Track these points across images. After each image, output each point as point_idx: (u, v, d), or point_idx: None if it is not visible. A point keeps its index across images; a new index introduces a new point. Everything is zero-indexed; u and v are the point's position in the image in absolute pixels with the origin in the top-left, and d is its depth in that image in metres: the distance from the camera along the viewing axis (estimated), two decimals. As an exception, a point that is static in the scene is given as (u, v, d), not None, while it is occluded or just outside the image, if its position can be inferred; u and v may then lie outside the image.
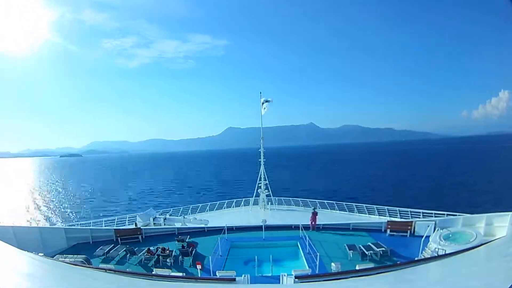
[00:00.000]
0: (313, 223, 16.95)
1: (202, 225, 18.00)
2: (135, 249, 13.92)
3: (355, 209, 21.58)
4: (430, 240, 13.01)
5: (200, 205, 25.16)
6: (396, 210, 19.33)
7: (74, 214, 46.49)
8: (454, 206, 22.75)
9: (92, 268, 9.71)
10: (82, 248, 14.85)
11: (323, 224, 17.09)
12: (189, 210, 24.17)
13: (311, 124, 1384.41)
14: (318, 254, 12.05)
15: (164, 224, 18.77)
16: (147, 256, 13.50)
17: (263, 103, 24.04)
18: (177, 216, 21.39)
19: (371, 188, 54.97)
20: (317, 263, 11.64)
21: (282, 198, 25.55)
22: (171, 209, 24.44)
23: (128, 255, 13.81)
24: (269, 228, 16.07)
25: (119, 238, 15.93)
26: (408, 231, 15.40)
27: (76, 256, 12.42)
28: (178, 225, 18.56)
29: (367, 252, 12.90)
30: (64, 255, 12.49)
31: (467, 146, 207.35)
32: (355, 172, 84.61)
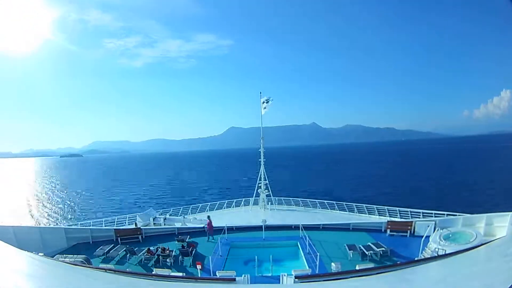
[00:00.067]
0: (208, 228, 16.51)
1: (202, 225, 18.01)
2: (135, 249, 13.93)
3: (355, 209, 21.57)
4: (430, 240, 12.99)
5: (200, 205, 25.16)
6: (396, 210, 19.32)
7: (73, 214, 46.58)
8: (454, 206, 22.74)
9: (92, 268, 9.72)
10: (82, 248, 14.87)
11: (323, 224, 17.09)
12: (189, 210, 24.18)
13: (314, 124, 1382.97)
14: (318, 254, 12.05)
15: (164, 224, 18.79)
16: (147, 256, 13.51)
17: (263, 103, 24.06)
18: (177, 216, 21.41)
19: (372, 188, 54.94)
20: (317, 263, 11.64)
21: (282, 198, 25.55)
22: (171, 209, 24.47)
23: (128, 255, 13.82)
24: (269, 228, 16.06)
25: (119, 238, 15.94)
26: (408, 231, 15.39)
27: (76, 256, 12.43)
28: (178, 225, 18.57)
29: (367, 252, 12.90)
30: (64, 255, 12.49)
31: (469, 146, 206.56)
32: (356, 172, 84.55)
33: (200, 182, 78.64)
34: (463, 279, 4.55)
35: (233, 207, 25.41)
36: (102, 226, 19.31)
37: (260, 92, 24.60)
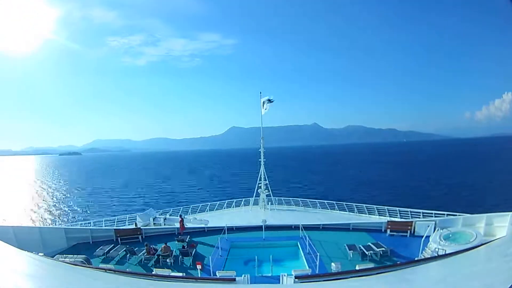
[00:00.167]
0: (180, 228, 17.09)
1: (202, 225, 18.01)
2: (135, 249, 13.93)
3: (355, 209, 21.56)
4: (430, 240, 12.98)
5: (200, 205, 25.15)
6: (396, 210, 19.30)
7: (59, 215, 46.45)
8: (454, 206, 22.74)
9: (92, 268, 9.72)
10: (82, 248, 14.86)
11: (323, 224, 17.08)
12: (189, 210, 24.18)
13: (315, 125, 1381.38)
14: (318, 254, 12.04)
15: (164, 224, 18.78)
16: (147, 256, 13.51)
17: (263, 103, 24.04)
18: (177, 216, 21.40)
19: (373, 188, 54.96)
20: (317, 263, 11.62)
21: (282, 198, 25.54)
22: (171, 209, 24.46)
23: (128, 255, 13.82)
24: (269, 228, 16.05)
25: (119, 238, 15.94)
26: (408, 231, 15.37)
27: (76, 256, 12.42)
28: (178, 225, 18.57)
29: (367, 252, 12.89)
30: (64, 255, 12.48)
31: (472, 149, 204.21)
32: (356, 172, 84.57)
33: (200, 182, 78.64)
34: (463, 279, 4.55)
35: (233, 207, 25.40)
36: (102, 226, 19.31)
37: (260, 92, 24.65)
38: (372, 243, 13.62)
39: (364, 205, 21.28)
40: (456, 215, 15.34)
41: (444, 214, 16.27)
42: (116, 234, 16.18)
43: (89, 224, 20.15)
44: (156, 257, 13.49)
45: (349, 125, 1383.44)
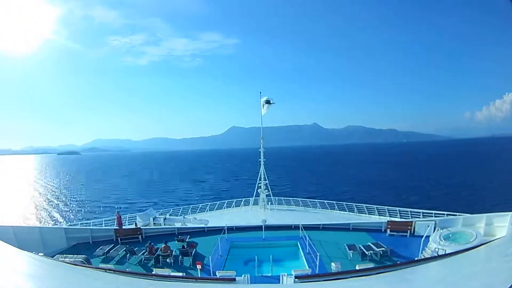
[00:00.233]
0: (117, 223, 17.43)
1: (202, 225, 18.01)
2: (135, 249, 13.93)
3: (355, 209, 21.57)
4: (430, 240, 12.98)
5: (200, 205, 25.16)
6: (396, 210, 19.31)
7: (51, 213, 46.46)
8: (454, 206, 22.75)
9: (92, 268, 9.72)
10: (82, 248, 14.86)
11: (323, 224, 17.08)
12: (189, 210, 24.18)
13: (315, 125, 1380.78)
14: (318, 254, 12.03)
15: (164, 224, 18.78)
16: (147, 256, 13.52)
17: (263, 104, 24.06)
18: (177, 216, 21.41)
19: (373, 188, 54.98)
20: (317, 263, 11.62)
21: (282, 198, 25.56)
22: (171, 209, 24.47)
23: (128, 255, 13.82)
24: (269, 228, 16.04)
25: (119, 238, 15.95)
26: (408, 231, 15.37)
27: (76, 256, 12.41)
28: (178, 225, 18.56)
29: (367, 252, 12.89)
30: (64, 255, 12.47)
31: (472, 149, 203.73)
32: (356, 172, 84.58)
33: (200, 181, 78.63)
34: (463, 279, 4.54)
35: (233, 207, 25.41)
36: (102, 226, 19.31)
37: (260, 92, 24.57)
38: (372, 243, 13.61)
39: (364, 205, 21.29)
40: (456, 215, 15.34)
41: (444, 214, 16.28)
42: (116, 234, 16.19)
43: (89, 224, 20.13)
44: (156, 257, 13.50)
45: (349, 125, 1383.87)
